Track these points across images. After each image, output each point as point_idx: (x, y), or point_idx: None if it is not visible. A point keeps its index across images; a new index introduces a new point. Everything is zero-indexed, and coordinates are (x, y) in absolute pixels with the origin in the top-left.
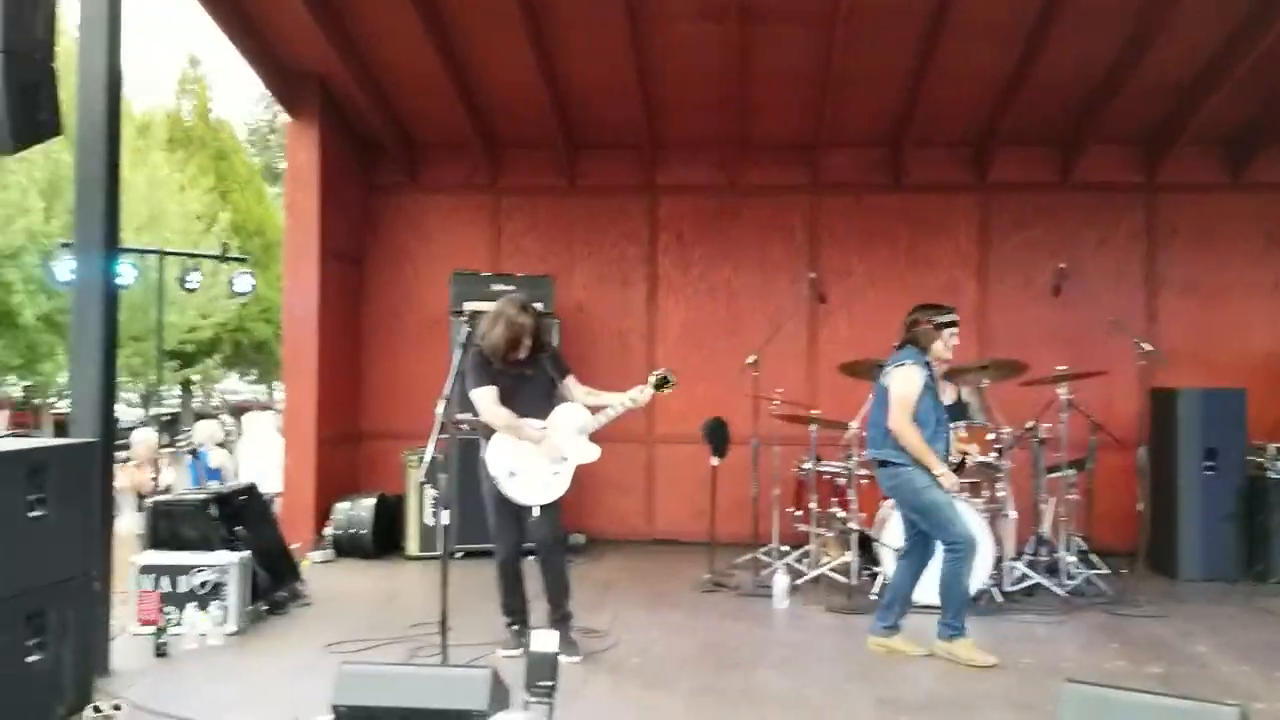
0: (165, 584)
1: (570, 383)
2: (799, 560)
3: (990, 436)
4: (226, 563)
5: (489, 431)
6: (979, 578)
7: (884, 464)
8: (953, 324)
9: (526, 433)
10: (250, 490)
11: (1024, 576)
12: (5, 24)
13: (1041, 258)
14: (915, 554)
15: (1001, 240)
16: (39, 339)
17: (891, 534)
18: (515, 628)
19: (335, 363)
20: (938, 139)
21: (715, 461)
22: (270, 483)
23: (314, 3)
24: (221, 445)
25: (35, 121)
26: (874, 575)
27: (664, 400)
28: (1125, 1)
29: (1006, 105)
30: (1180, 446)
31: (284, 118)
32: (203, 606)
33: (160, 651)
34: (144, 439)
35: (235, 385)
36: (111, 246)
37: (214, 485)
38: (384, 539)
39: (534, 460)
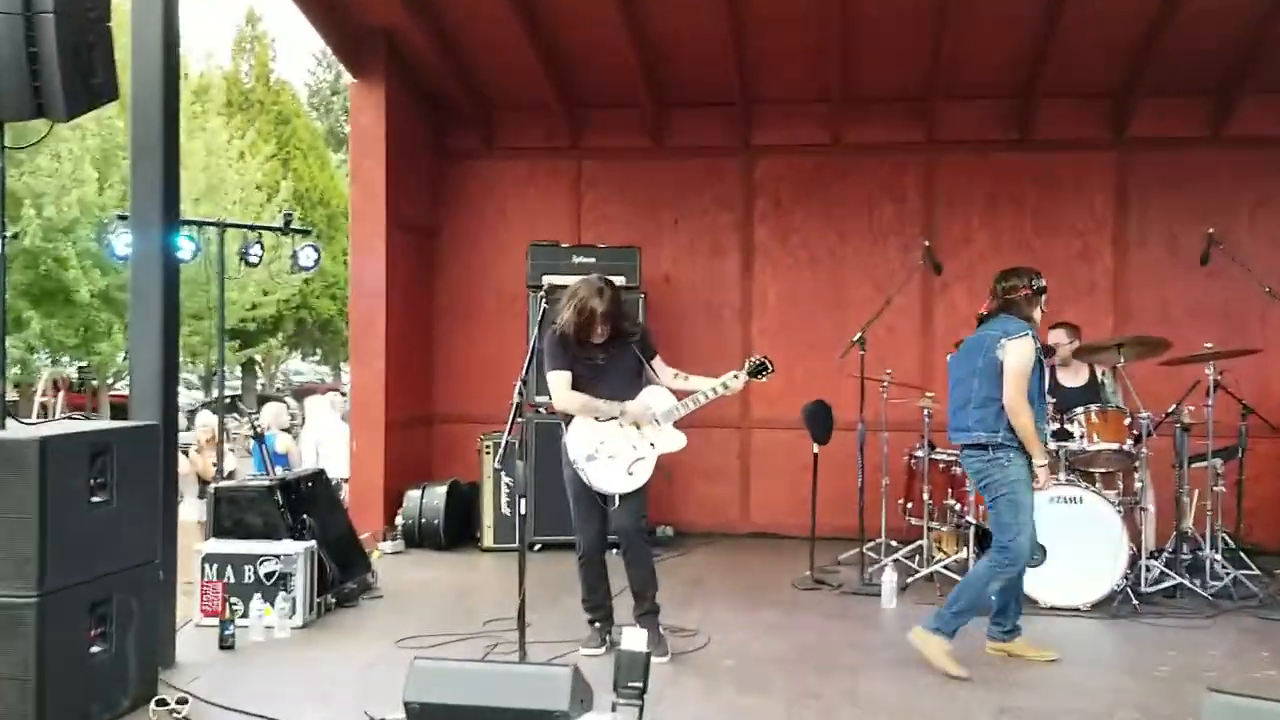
0: (230, 574)
1: (657, 365)
2: (910, 556)
3: (1127, 422)
4: (293, 552)
5: (569, 416)
6: (1100, 580)
7: (980, 446)
8: (1045, 290)
9: (604, 409)
10: (318, 476)
11: (1163, 576)
12: None
13: (1187, 222)
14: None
15: (1142, 202)
16: (95, 316)
17: None
18: (598, 625)
19: (405, 341)
20: (1071, 89)
21: (817, 448)
22: (337, 469)
23: None
24: (287, 430)
25: (89, 86)
26: None
27: (760, 385)
28: None
29: (1150, 50)
30: None
31: (347, 78)
32: (269, 598)
33: (226, 644)
34: (206, 422)
35: (299, 366)
36: (170, 218)
37: (280, 471)
38: (458, 529)
39: (616, 446)
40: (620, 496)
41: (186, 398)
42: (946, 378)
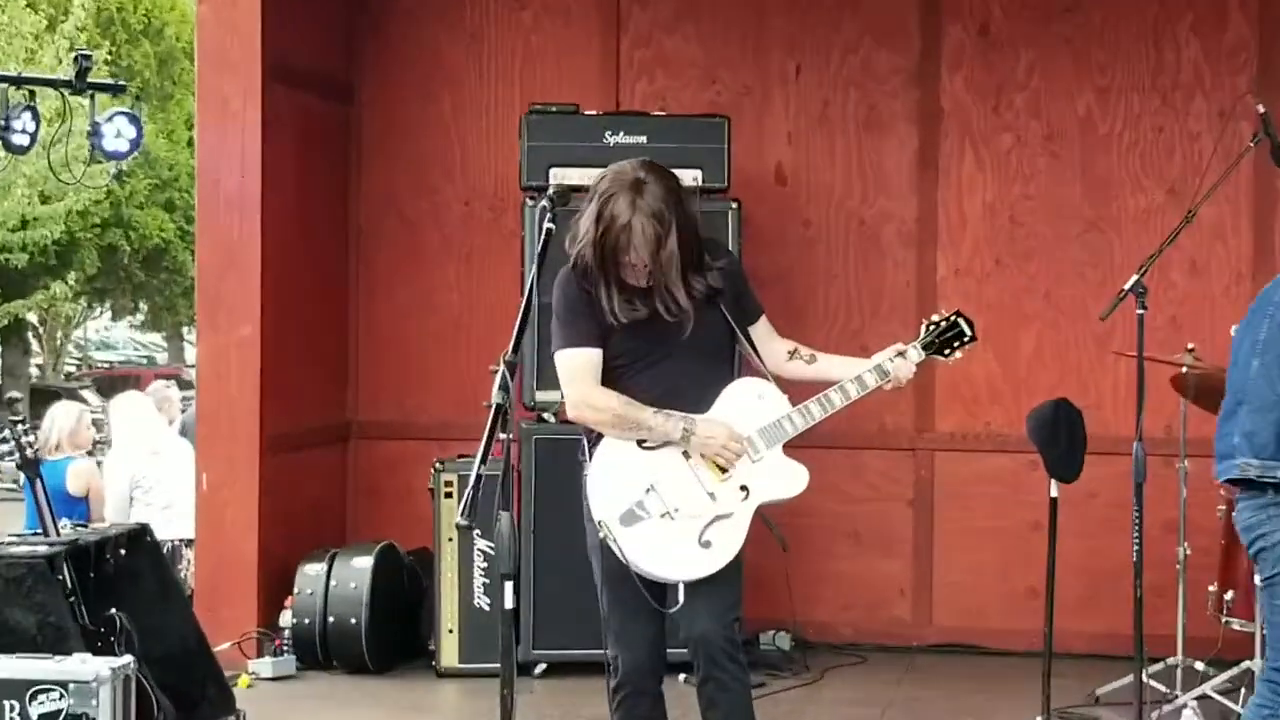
0: None
1: (760, 334)
2: (1231, 689)
3: None
4: (91, 678)
5: (593, 432)
6: None
7: (1254, 486)
8: None
9: (654, 425)
10: (137, 538)
11: None
12: None
13: None
14: None
15: None
16: None
17: None
18: None
19: (296, 291)
20: None
21: (1056, 488)
22: (173, 523)
23: None
24: (88, 452)
25: None
26: None
27: (951, 368)
28: None
29: None
30: None
31: None
32: None
33: None
34: None
35: (109, 333)
36: None
37: (70, 527)
38: (394, 636)
39: (679, 493)
40: (688, 586)
41: None
42: None
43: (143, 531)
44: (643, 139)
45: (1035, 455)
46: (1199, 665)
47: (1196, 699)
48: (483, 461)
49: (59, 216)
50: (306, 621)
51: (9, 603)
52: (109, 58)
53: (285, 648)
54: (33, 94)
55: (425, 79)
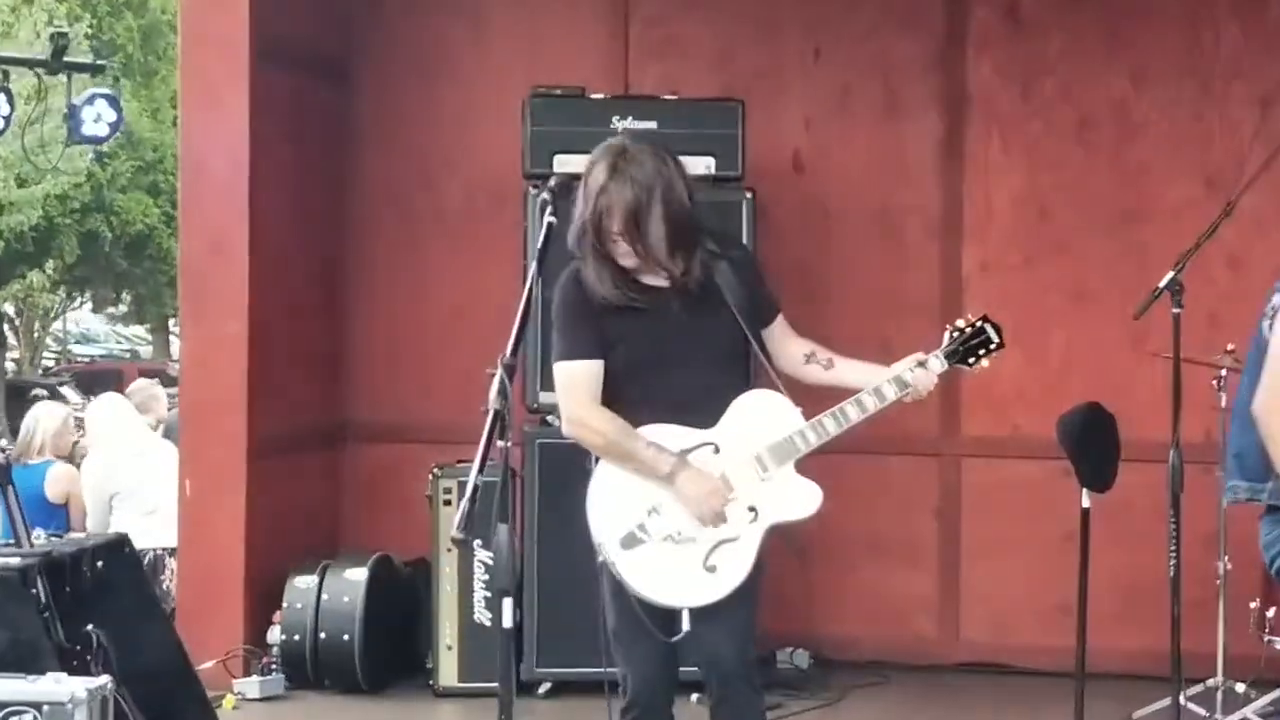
0: None
1: (775, 335)
2: (1273, 710)
3: None
4: (66, 699)
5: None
6: None
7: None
8: None
9: (646, 459)
10: (115, 549)
11: None
12: None
13: None
14: None
15: None
16: None
17: None
18: None
19: (285, 285)
20: None
21: (1088, 498)
22: (154, 532)
23: None
24: (67, 458)
25: None
26: None
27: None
28: None
29: None
30: None
31: None
32: None
33: None
34: None
35: (90, 325)
36: None
37: (44, 538)
38: (389, 654)
39: (681, 512)
40: (696, 612)
41: None
42: None
43: (121, 542)
44: (653, 124)
45: (1067, 462)
46: (1240, 687)
47: None
48: (480, 470)
49: (36, 201)
50: (296, 638)
51: None
52: (90, 31)
53: (273, 666)
54: (6, 73)
55: (424, 61)
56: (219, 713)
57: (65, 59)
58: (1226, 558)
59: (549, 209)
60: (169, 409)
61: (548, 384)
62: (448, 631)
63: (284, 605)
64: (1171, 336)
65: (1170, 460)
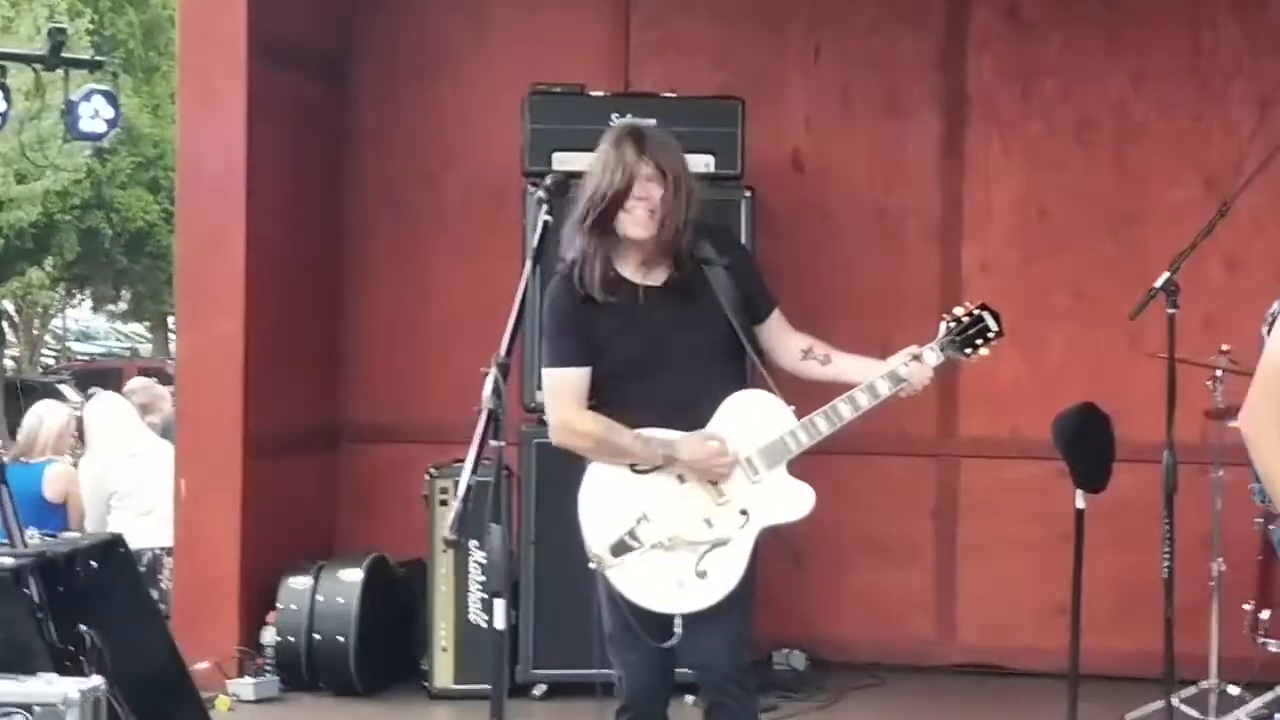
0: None
1: (772, 331)
2: (1266, 713)
3: None
4: (59, 700)
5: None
6: None
7: None
8: None
9: (636, 450)
10: (109, 550)
11: None
12: None
13: None
14: None
15: None
16: None
17: None
18: None
19: (283, 283)
20: None
21: (1083, 499)
22: (149, 532)
23: None
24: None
25: None
26: None
27: (976, 369)
28: None
29: None
30: None
31: None
32: None
33: None
34: None
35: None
36: None
37: (38, 538)
38: (385, 655)
39: (671, 520)
40: (689, 616)
41: None
42: None
43: (116, 542)
44: (652, 121)
45: (1060, 463)
46: (1234, 689)
47: None
48: (474, 470)
49: (36, 197)
50: (291, 639)
51: None
52: (91, 26)
53: (267, 668)
54: (4, 69)
55: (423, 58)
56: (213, 714)
57: (63, 54)
58: (1221, 559)
59: (545, 207)
60: (166, 407)
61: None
62: (443, 633)
63: (279, 606)
64: (1166, 339)
65: (1164, 461)
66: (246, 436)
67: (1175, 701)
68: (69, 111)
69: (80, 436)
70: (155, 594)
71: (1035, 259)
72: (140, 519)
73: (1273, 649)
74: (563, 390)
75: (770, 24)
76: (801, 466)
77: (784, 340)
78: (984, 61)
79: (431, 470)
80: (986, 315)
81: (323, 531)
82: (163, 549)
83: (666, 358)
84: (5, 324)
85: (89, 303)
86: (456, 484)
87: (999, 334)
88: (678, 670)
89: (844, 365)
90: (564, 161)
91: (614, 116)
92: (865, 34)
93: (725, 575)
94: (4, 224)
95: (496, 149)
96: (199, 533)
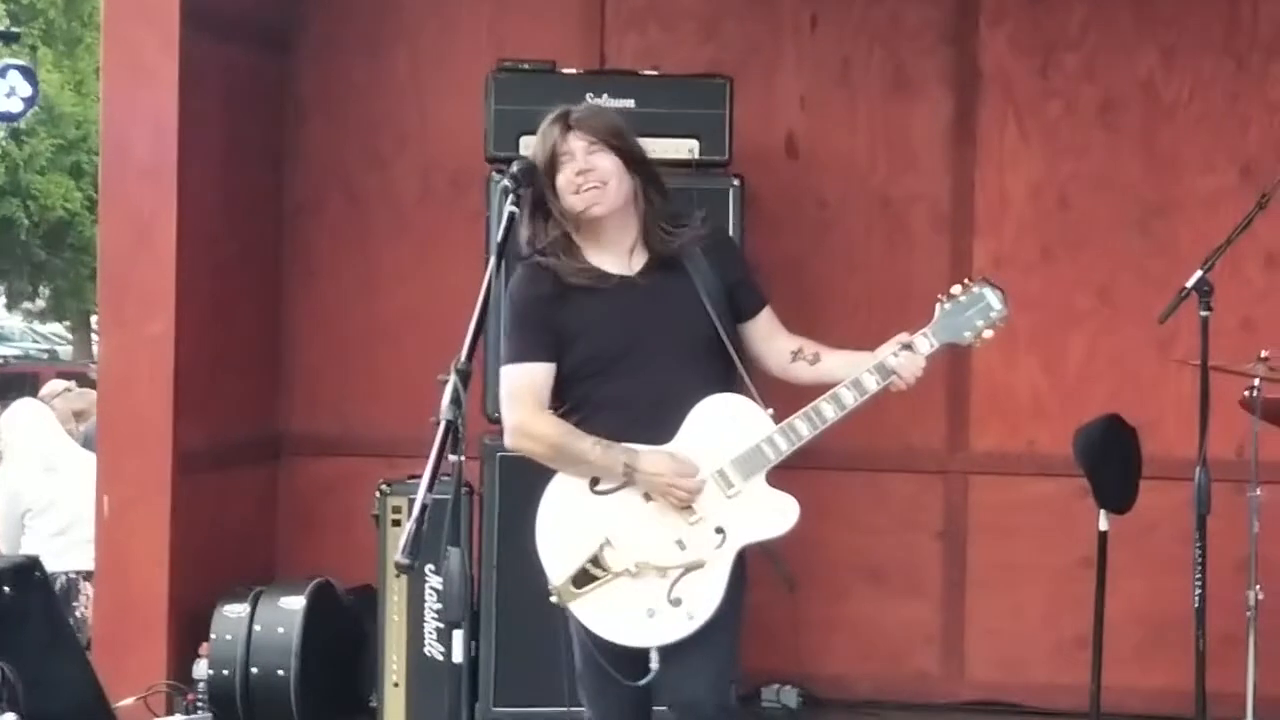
0: None
1: (764, 329)
2: None
3: None
4: None
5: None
6: None
7: None
8: None
9: (598, 460)
10: (24, 574)
11: None
12: None
13: None
14: None
15: None
16: None
17: None
18: None
19: (218, 279)
20: None
21: (1106, 520)
22: (68, 554)
23: None
24: None
25: None
26: None
27: (989, 377)
28: None
29: None
30: None
31: None
32: None
33: None
34: None
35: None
36: None
37: None
38: (329, 691)
39: (637, 544)
40: (665, 649)
41: None
42: None
43: (32, 566)
44: (630, 102)
45: (1081, 479)
46: None
47: None
48: (430, 488)
49: None
50: (225, 673)
51: None
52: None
53: (199, 704)
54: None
55: (377, 29)
56: None
57: None
58: (1258, 587)
59: (510, 196)
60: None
61: None
62: (394, 667)
63: (212, 637)
64: (1199, 344)
65: (1196, 478)
66: (176, 449)
67: None
68: None
69: None
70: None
71: (1054, 254)
72: (53, 539)
73: None
74: (521, 389)
75: None
76: (794, 482)
77: (775, 343)
78: (999, 34)
79: (383, 487)
80: (988, 291)
81: (261, 554)
82: (78, 572)
83: (640, 355)
84: None
85: (3, 300)
86: (411, 502)
87: (1004, 315)
88: (657, 709)
89: (834, 363)
90: (532, 146)
91: (588, 97)
92: (867, 3)
93: (702, 602)
94: None
95: (457, 131)
96: (123, 555)
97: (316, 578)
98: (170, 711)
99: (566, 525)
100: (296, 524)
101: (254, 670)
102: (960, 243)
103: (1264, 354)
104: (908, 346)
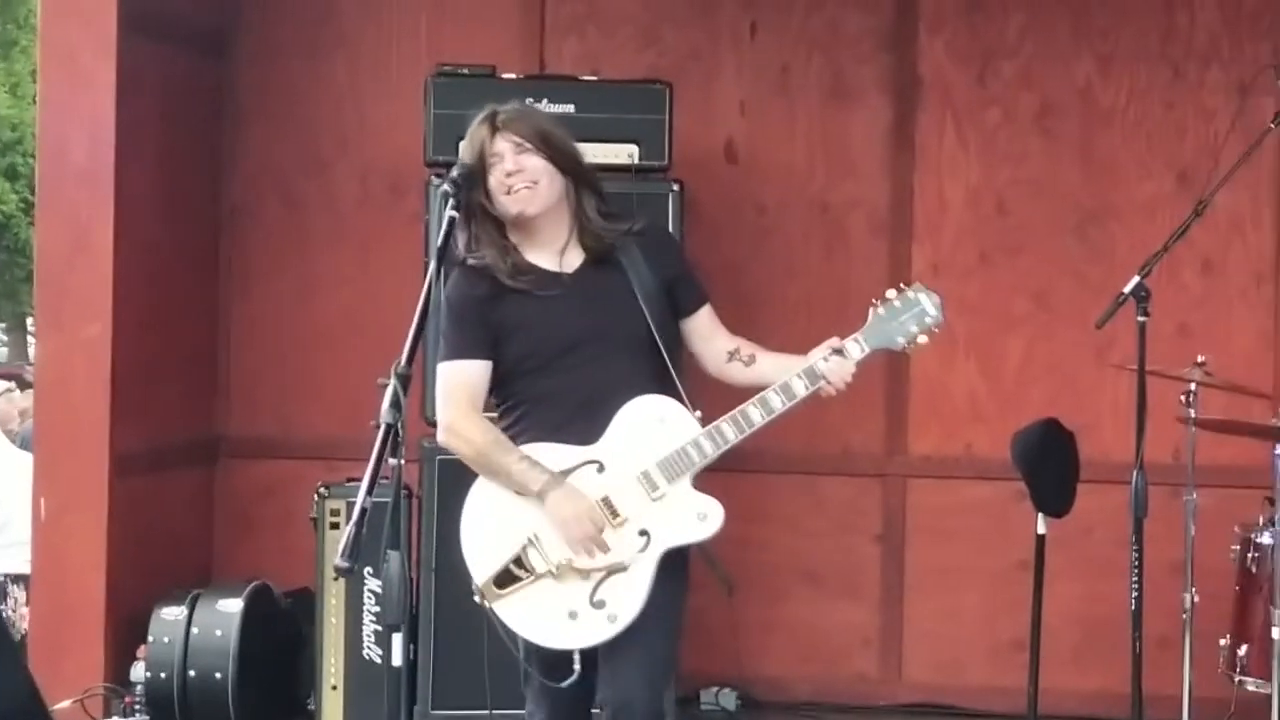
0: None
1: (703, 327)
2: None
3: None
4: None
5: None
6: None
7: None
8: None
9: (517, 481)
10: None
11: None
12: None
13: None
14: None
15: None
16: None
17: None
18: None
19: (155, 283)
20: None
21: (1044, 524)
22: (6, 555)
23: None
24: None
25: None
26: None
27: (928, 381)
28: None
29: None
30: None
31: None
32: None
33: None
34: None
35: None
36: None
37: None
38: (267, 693)
39: (562, 542)
40: (601, 651)
41: None
42: None
43: None
44: (570, 108)
45: (1019, 483)
46: None
47: None
48: (369, 490)
49: None
50: (163, 675)
51: None
52: None
53: (136, 707)
54: None
55: (315, 33)
56: None
57: None
58: (1194, 589)
59: (450, 201)
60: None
61: None
62: (333, 670)
63: (149, 639)
64: (1135, 349)
65: (1133, 482)
66: (114, 451)
67: None
68: None
69: None
70: None
71: (992, 259)
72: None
73: (1250, 688)
74: (456, 386)
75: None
76: (733, 485)
77: (713, 342)
78: (938, 42)
79: (321, 490)
80: (923, 296)
81: (199, 557)
82: (9, 575)
83: (575, 353)
84: None
85: None
86: (349, 505)
87: (938, 320)
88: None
89: (768, 366)
90: (461, 148)
91: (528, 101)
92: (806, 10)
93: (625, 605)
94: None
95: (396, 135)
96: (60, 557)
97: (254, 581)
98: (108, 714)
99: (490, 525)
100: (234, 527)
101: (191, 673)
102: (899, 248)
103: (1201, 359)
104: (839, 351)
